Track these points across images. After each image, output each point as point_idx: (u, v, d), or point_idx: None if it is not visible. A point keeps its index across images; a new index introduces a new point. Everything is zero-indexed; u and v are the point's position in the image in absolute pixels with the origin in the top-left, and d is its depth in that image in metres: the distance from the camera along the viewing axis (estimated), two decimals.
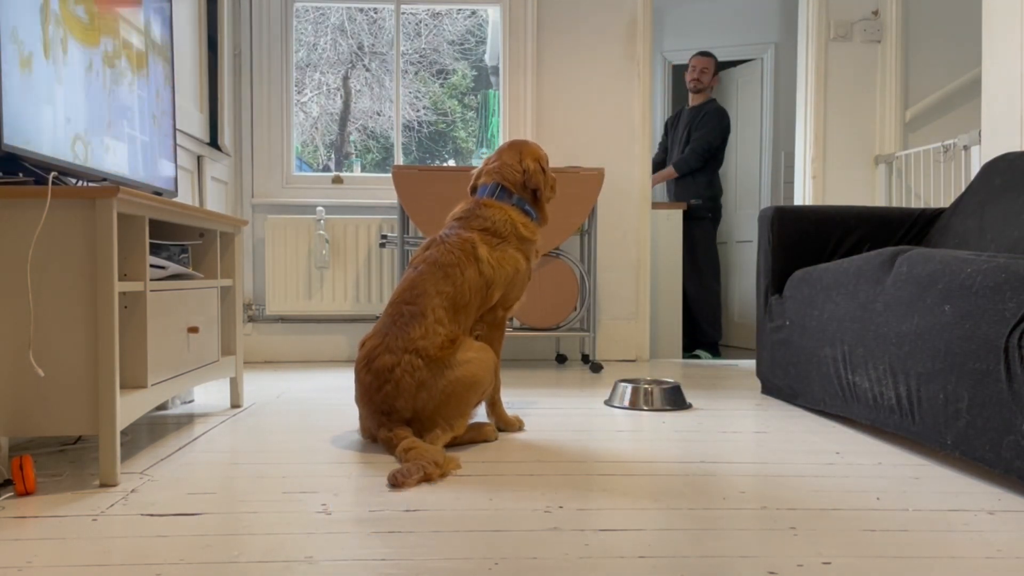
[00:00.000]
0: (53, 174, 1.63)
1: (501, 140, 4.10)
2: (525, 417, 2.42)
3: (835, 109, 4.31)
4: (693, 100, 4.80)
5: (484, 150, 4.74)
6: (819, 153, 4.31)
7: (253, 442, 2.10)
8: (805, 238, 2.80)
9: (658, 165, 4.95)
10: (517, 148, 2.34)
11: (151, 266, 1.93)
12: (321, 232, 3.89)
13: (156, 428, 2.28)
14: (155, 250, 2.15)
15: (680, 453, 1.99)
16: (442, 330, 2.02)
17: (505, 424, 2.25)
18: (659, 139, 5.38)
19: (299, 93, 5.94)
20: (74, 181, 1.94)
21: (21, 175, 1.67)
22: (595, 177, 3.62)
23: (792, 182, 4.74)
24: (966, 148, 3.62)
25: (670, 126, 4.98)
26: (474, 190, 2.35)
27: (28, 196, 1.59)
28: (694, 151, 4.62)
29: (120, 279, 1.75)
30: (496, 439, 2.14)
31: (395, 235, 3.76)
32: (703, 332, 4.70)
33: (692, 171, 4.67)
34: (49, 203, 1.58)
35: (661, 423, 2.39)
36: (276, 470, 1.80)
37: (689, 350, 4.76)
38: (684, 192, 4.69)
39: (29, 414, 1.61)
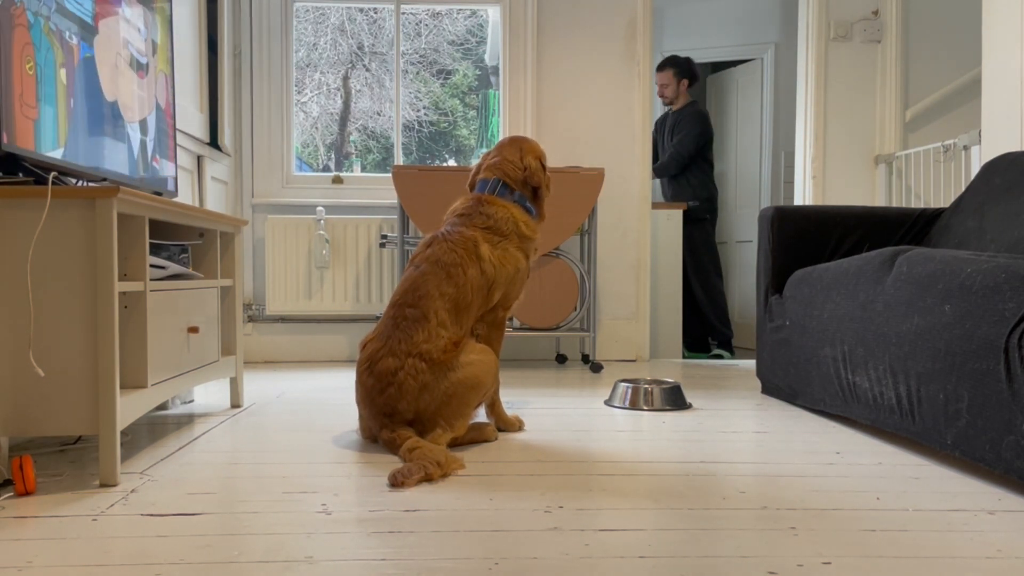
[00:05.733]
0: (53, 174, 1.63)
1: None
2: (525, 417, 2.42)
3: (835, 109, 4.31)
4: (674, 106, 4.84)
5: (484, 150, 4.74)
6: (819, 153, 4.31)
7: (253, 442, 2.10)
8: (805, 238, 2.80)
9: None
10: (517, 145, 2.33)
11: (151, 266, 1.93)
12: (321, 232, 3.89)
13: (156, 428, 2.28)
14: (155, 250, 2.15)
15: (680, 453, 1.99)
16: (445, 333, 2.02)
17: (505, 424, 2.25)
18: None
19: (299, 93, 5.94)
20: (74, 181, 1.94)
21: (21, 175, 1.67)
22: (595, 177, 3.62)
23: (792, 182, 4.74)
24: (966, 148, 3.62)
25: (657, 131, 4.98)
26: (473, 186, 2.34)
27: (28, 196, 1.59)
28: (672, 157, 4.66)
29: (120, 279, 1.75)
30: (496, 439, 2.14)
31: (395, 235, 3.76)
32: (717, 332, 4.71)
33: (670, 176, 4.72)
34: (49, 203, 1.58)
35: (661, 423, 2.39)
36: (276, 470, 1.80)
37: (704, 351, 4.76)
38: (680, 195, 4.71)
39: (29, 414, 1.61)
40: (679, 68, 4.75)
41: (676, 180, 4.74)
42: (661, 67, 4.80)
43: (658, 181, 5.01)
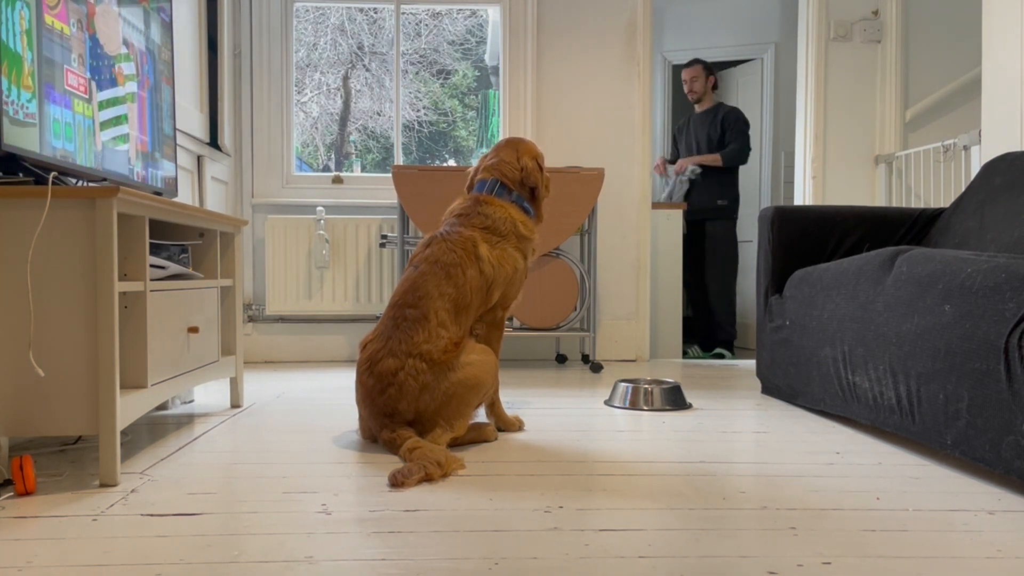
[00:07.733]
0: (53, 174, 1.63)
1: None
2: (525, 417, 2.42)
3: (835, 109, 4.31)
4: (699, 107, 4.78)
5: (483, 150, 4.74)
6: (819, 153, 4.31)
7: (253, 442, 2.10)
8: (805, 238, 2.80)
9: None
10: (514, 146, 2.33)
11: (151, 266, 1.93)
12: (321, 232, 3.89)
13: (156, 428, 2.28)
14: (155, 250, 2.15)
15: (680, 453, 1.99)
16: (445, 333, 2.02)
17: (505, 424, 2.25)
18: (659, 140, 5.36)
19: (299, 93, 5.94)
20: (74, 181, 1.94)
21: (21, 175, 1.67)
22: (595, 177, 3.62)
23: (792, 182, 4.74)
24: (966, 148, 3.62)
25: (679, 134, 4.95)
26: (471, 188, 2.34)
27: (28, 196, 1.59)
28: (743, 149, 4.62)
29: (120, 279, 1.75)
30: (496, 439, 2.14)
31: (395, 235, 3.76)
32: (723, 331, 4.69)
33: (735, 166, 4.69)
34: (49, 203, 1.58)
35: (661, 423, 2.39)
36: (276, 470, 1.80)
37: (706, 349, 4.75)
38: (710, 193, 4.64)
39: (29, 414, 1.61)
40: (706, 65, 4.77)
41: (705, 177, 4.66)
42: (689, 64, 4.78)
43: (658, 183, 4.99)
